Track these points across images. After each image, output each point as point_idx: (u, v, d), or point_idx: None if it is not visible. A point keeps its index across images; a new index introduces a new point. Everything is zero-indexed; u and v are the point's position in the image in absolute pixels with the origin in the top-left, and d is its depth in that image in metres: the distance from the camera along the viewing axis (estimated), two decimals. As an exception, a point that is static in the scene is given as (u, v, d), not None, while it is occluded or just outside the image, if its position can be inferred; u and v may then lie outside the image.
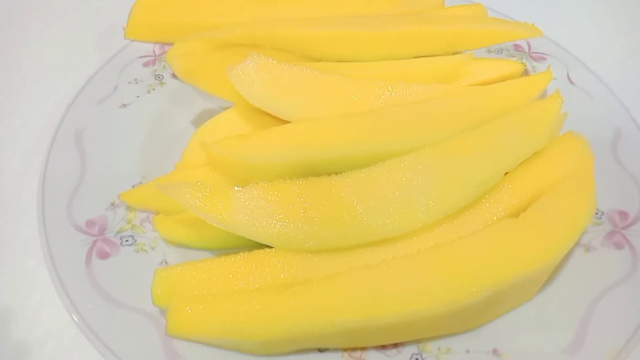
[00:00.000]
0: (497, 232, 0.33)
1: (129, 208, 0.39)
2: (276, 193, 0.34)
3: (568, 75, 0.50)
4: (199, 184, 0.34)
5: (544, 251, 0.33)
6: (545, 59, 0.51)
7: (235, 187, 0.34)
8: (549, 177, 0.37)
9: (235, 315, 0.30)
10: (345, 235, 0.33)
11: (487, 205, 0.36)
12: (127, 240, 0.37)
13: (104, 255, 0.36)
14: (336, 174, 0.35)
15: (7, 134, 0.49)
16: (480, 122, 0.39)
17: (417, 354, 0.33)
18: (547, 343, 0.33)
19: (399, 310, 0.30)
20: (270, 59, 0.41)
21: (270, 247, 0.34)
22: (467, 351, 0.33)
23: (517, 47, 0.53)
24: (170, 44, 0.48)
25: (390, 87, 0.42)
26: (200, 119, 0.46)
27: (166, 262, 0.36)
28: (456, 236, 0.34)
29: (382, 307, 0.31)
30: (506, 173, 0.37)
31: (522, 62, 0.50)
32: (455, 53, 0.47)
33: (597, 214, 0.39)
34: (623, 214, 0.39)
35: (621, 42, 0.60)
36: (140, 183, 0.40)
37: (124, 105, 0.46)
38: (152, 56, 0.51)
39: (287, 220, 0.33)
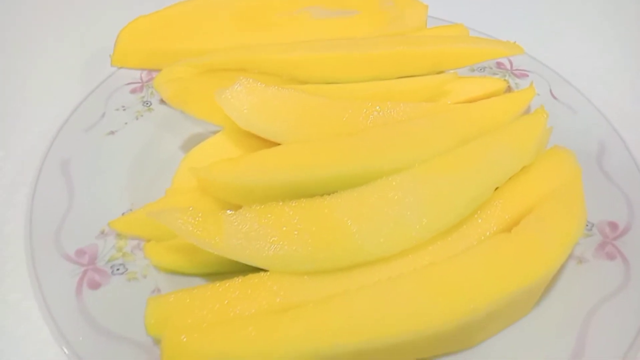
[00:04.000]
0: (491, 248, 0.33)
1: (119, 236, 0.38)
2: (269, 216, 0.34)
3: (550, 90, 0.51)
4: (190, 209, 0.33)
5: (539, 264, 0.33)
6: (527, 76, 0.52)
7: (228, 211, 0.34)
8: (539, 191, 0.37)
9: (231, 342, 0.29)
10: (340, 257, 0.33)
11: (480, 221, 0.36)
12: (118, 269, 0.36)
13: (94, 286, 0.35)
14: (328, 194, 0.35)
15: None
16: (467, 139, 0.39)
17: (415, 374, 0.32)
18: (545, 358, 0.33)
19: (396, 331, 0.30)
20: (259, 83, 0.41)
21: (264, 270, 0.33)
22: (466, 369, 0.33)
23: (499, 65, 0.54)
24: (157, 70, 0.49)
25: (377, 107, 0.42)
26: (189, 144, 0.46)
27: (159, 290, 0.35)
28: (451, 253, 0.34)
29: (379, 328, 0.30)
30: (496, 189, 0.37)
31: (505, 80, 0.51)
32: (439, 72, 0.48)
33: (587, 225, 0.40)
34: (613, 225, 0.39)
35: (602, 58, 0.62)
36: (130, 210, 0.40)
37: (112, 133, 0.46)
38: (139, 83, 0.51)
39: (281, 243, 0.33)
